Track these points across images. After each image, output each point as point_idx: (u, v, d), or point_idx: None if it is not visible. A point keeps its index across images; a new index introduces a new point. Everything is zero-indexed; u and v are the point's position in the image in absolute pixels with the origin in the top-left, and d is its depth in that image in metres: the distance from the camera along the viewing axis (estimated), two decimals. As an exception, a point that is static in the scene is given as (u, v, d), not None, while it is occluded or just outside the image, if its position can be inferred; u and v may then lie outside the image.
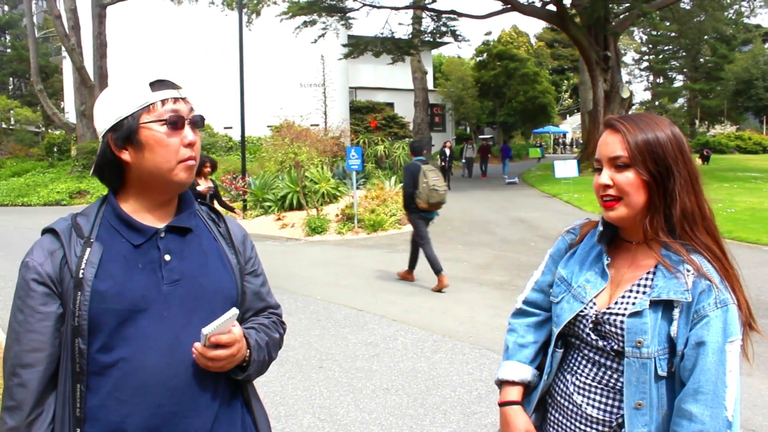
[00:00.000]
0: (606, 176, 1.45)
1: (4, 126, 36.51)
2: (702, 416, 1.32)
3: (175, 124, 1.38)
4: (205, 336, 1.31)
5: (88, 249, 1.35)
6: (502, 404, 1.67)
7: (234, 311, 1.35)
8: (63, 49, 27.96)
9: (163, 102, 1.38)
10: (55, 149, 30.23)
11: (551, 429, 1.61)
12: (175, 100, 1.40)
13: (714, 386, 1.32)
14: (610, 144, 1.45)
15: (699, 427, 1.32)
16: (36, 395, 1.32)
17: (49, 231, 1.41)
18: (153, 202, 1.43)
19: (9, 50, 47.26)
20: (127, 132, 1.37)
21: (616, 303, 1.47)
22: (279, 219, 14.78)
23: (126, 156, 1.39)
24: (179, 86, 1.44)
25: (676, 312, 1.38)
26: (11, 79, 49.67)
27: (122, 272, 1.35)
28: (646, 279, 1.45)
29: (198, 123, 1.43)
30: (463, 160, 27.93)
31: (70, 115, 30.17)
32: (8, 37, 47.99)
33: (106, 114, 1.40)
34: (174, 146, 1.38)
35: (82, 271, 1.32)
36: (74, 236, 1.38)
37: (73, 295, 1.32)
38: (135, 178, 1.42)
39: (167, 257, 1.40)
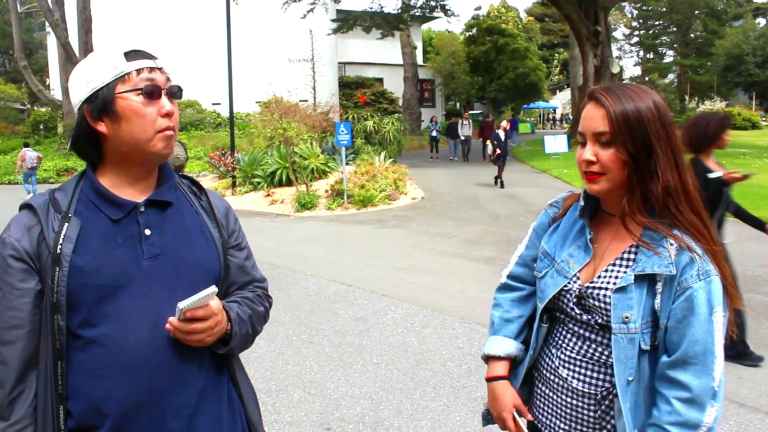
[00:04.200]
0: (590, 152, 1.43)
1: (-12, 103, 36.09)
2: (690, 384, 1.34)
3: (152, 93, 1.34)
4: (180, 310, 1.29)
5: (66, 224, 1.33)
6: (489, 379, 1.67)
7: (213, 289, 1.33)
8: (47, 24, 27.49)
9: (139, 71, 1.34)
10: (41, 127, 29.91)
11: (538, 402, 1.62)
12: (151, 69, 1.36)
13: (703, 356, 1.33)
14: (594, 118, 1.42)
15: (686, 395, 1.34)
16: (17, 373, 1.31)
17: (26, 206, 1.38)
18: (132, 175, 1.41)
19: (-8, 25, 46.46)
20: (102, 103, 1.34)
21: (599, 277, 1.46)
22: (268, 195, 14.73)
23: (102, 128, 1.36)
24: (155, 56, 1.40)
25: (659, 285, 1.38)
26: (-5, 55, 48.94)
27: (101, 247, 1.33)
28: (629, 252, 1.45)
29: (175, 93, 1.40)
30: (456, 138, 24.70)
31: (56, 92, 29.78)
32: (-10, 12, 47.12)
33: (81, 85, 1.37)
34: (151, 116, 1.35)
35: (60, 247, 1.30)
36: (52, 211, 1.35)
37: (51, 271, 1.30)
38: (112, 151, 1.39)
39: (147, 231, 1.38)
